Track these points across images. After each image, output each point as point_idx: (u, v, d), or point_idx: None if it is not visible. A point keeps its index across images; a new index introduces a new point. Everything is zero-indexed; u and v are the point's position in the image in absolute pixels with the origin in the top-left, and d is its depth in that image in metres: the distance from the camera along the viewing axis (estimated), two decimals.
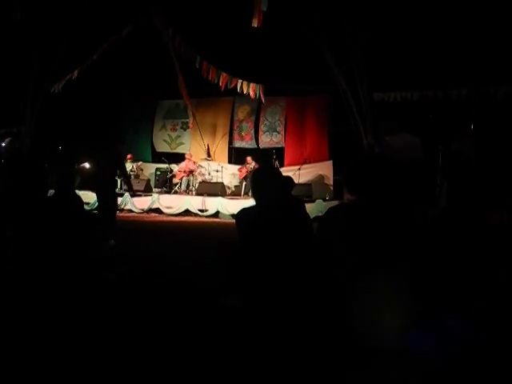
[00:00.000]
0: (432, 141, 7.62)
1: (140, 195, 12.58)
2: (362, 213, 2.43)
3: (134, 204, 12.25)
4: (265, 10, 7.83)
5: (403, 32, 9.63)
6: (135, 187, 12.74)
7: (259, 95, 11.93)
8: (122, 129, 15.53)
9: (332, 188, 12.79)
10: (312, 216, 9.95)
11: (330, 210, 2.61)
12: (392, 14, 9.47)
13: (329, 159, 13.20)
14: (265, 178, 2.94)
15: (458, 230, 2.51)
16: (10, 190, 3.73)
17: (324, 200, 11.28)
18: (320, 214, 10.48)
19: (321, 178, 13.03)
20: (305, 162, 13.14)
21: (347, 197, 10.02)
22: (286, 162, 13.77)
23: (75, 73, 12.29)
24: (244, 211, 2.93)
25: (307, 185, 12.10)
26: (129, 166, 13.81)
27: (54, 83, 12.60)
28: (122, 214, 11.10)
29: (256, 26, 8.05)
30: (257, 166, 12.49)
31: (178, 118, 15.67)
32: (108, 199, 6.93)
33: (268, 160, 12.85)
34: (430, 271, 2.36)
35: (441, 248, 2.46)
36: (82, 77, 12.36)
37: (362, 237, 2.37)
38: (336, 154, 12.86)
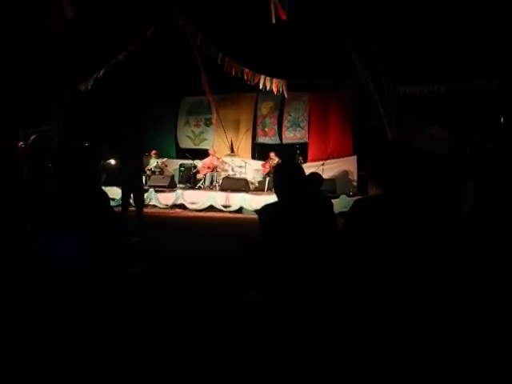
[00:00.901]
0: (460, 135, 7.49)
1: (164, 191, 12.70)
2: (389, 207, 2.31)
3: (159, 199, 12.38)
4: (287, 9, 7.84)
5: (427, 23, 9.47)
6: (160, 183, 12.94)
7: (282, 91, 11.90)
8: (144, 124, 15.73)
9: (356, 183, 12.71)
10: (336, 212, 9.97)
11: (357, 204, 2.50)
12: (414, 4, 9.33)
13: (353, 154, 13.12)
14: (286, 174, 2.91)
15: (494, 230, 2.43)
16: (57, 197, 3.75)
17: (348, 195, 11.21)
18: (344, 210, 10.41)
19: (345, 173, 12.95)
20: (328, 158, 13.07)
21: (373, 192, 9.96)
22: (309, 158, 13.72)
23: (101, 72, 12.51)
24: (267, 207, 2.92)
25: (331, 180, 12.04)
26: (153, 162, 14.01)
27: (81, 82, 12.84)
28: (146, 210, 11.19)
29: (281, 19, 8.05)
30: (280, 162, 12.50)
31: (202, 114, 15.78)
32: (135, 194, 7.05)
33: (291, 156, 12.83)
34: (460, 272, 2.29)
35: (476, 249, 2.39)
36: (108, 76, 12.55)
37: (389, 233, 2.26)
38: (360, 149, 12.78)
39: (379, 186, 2.42)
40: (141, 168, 7.65)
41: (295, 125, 14.37)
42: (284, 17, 8.07)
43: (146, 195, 11.88)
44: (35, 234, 3.47)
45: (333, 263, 2.54)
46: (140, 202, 7.14)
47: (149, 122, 15.89)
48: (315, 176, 5.21)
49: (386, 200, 2.35)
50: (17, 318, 2.85)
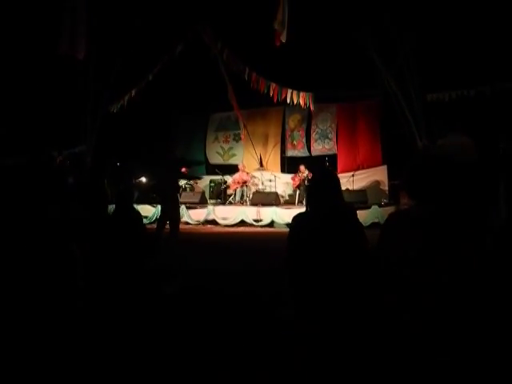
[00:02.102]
0: (491, 140, 7.30)
1: (195, 207, 12.81)
2: (428, 221, 2.18)
3: (190, 216, 12.49)
4: (283, 31, 8.06)
5: (453, 27, 9.33)
6: (191, 199, 13.06)
7: (309, 103, 11.90)
8: (175, 143, 15.99)
9: (387, 193, 12.54)
10: (368, 222, 9.86)
11: (391, 217, 2.37)
12: (438, 9, 9.23)
13: (383, 164, 12.98)
14: (326, 183, 2.79)
15: None
16: (83, 222, 3.81)
17: (379, 206, 11.07)
18: (376, 221, 10.30)
19: (375, 183, 12.80)
20: (358, 168, 12.95)
21: (404, 201, 9.79)
22: (339, 169, 13.62)
23: (132, 93, 12.80)
24: (298, 216, 2.84)
25: (362, 191, 11.91)
26: (185, 179, 14.14)
27: (112, 103, 13.17)
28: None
29: (278, 44, 8.30)
30: (310, 175, 12.46)
31: (230, 129, 15.92)
32: (171, 211, 7.12)
33: (324, 167, 12.80)
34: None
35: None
36: (139, 96, 12.83)
37: (429, 247, 2.12)
38: (390, 158, 12.63)
39: (413, 197, 2.32)
40: (177, 186, 7.73)
41: (323, 136, 14.33)
42: (278, 43, 8.32)
43: None
44: (83, 260, 3.50)
45: (364, 278, 2.46)
46: (175, 221, 7.18)
47: (178, 140, 16.14)
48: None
49: (422, 212, 2.23)
50: (59, 346, 2.87)
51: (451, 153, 5.55)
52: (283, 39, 8.54)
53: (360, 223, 2.87)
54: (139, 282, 3.76)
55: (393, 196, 11.94)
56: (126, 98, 12.89)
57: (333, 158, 13.75)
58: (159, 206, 7.89)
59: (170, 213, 7.11)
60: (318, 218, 2.69)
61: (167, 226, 7.09)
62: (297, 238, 2.71)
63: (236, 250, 7.83)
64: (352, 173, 12.58)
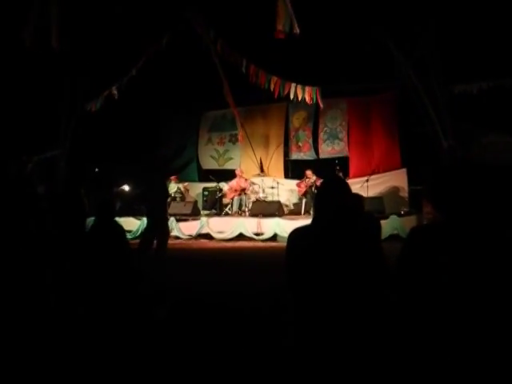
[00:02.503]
0: None
1: (187, 219, 12.77)
2: (457, 237, 2.11)
3: (181, 229, 12.45)
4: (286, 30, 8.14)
5: (482, 7, 9.30)
6: (181, 210, 13.00)
7: (316, 99, 11.88)
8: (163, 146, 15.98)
9: (407, 200, 12.50)
10: (386, 235, 9.78)
11: (415, 235, 2.30)
12: None
13: (401, 167, 12.96)
14: (334, 191, 2.70)
15: None
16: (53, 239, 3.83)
17: (399, 215, 11.03)
18: (395, 232, 10.24)
19: (393, 189, 12.77)
20: (373, 172, 12.93)
21: (428, 209, 9.74)
22: (351, 174, 13.61)
23: (113, 89, 12.77)
24: (297, 230, 2.74)
25: (378, 198, 11.87)
26: (173, 186, 14.12)
27: (90, 101, 13.14)
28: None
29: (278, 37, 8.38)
30: (318, 180, 12.43)
31: (226, 130, 15.93)
32: (159, 224, 7.10)
33: (332, 173, 12.78)
34: None
35: None
36: (121, 94, 12.80)
37: (461, 269, 2.06)
38: (410, 160, 12.60)
39: (439, 211, 2.25)
40: (165, 196, 7.73)
41: (333, 136, 14.33)
42: (282, 36, 8.39)
43: None
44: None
45: (380, 302, 2.39)
46: (164, 234, 7.16)
47: (166, 142, 16.12)
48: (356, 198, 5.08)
49: (452, 231, 2.15)
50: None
51: (493, 156, 5.46)
52: (296, 30, 8.52)
53: (378, 238, 2.80)
54: (126, 308, 3.73)
55: (414, 204, 11.87)
56: (106, 94, 12.87)
57: (344, 161, 13.73)
58: (145, 219, 7.88)
59: (158, 226, 7.08)
60: (319, 229, 2.62)
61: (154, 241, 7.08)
62: (294, 259, 2.63)
63: (233, 268, 7.78)
64: (366, 177, 12.54)
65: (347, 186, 2.79)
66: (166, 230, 7.44)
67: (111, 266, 4.05)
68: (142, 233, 7.34)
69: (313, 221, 2.69)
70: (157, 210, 7.17)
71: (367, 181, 12.43)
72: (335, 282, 2.46)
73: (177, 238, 12.31)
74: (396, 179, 12.89)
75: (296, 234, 2.70)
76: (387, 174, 13.09)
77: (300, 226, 2.73)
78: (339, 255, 2.50)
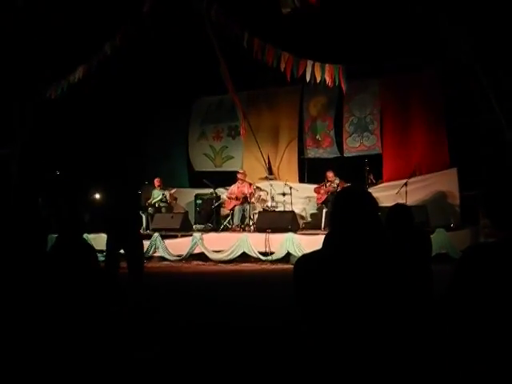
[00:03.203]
0: None
1: (175, 236, 12.69)
2: None
3: (167, 249, 12.40)
4: None
5: None
6: (168, 225, 12.94)
7: (339, 81, 11.83)
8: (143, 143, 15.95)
9: (458, 209, 12.40)
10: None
11: (469, 256, 2.35)
12: None
13: (450, 166, 12.89)
14: (349, 206, 2.67)
15: None
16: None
17: (447, 229, 10.91)
18: (443, 251, 10.14)
19: (440, 195, 12.68)
20: (414, 174, 12.83)
21: (485, 222, 9.64)
22: (385, 176, 13.57)
23: (80, 72, 12.73)
24: (305, 259, 2.69)
25: (420, 207, 11.75)
26: (157, 194, 14.07)
27: (50, 87, 13.10)
28: (149, 265, 11.21)
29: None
30: (342, 185, 12.35)
31: (223, 121, 15.95)
32: (129, 246, 7.01)
33: (358, 177, 12.72)
34: None
35: None
36: (91, 78, 12.76)
37: None
38: (461, 158, 12.50)
39: (499, 225, 2.28)
40: (136, 207, 7.67)
41: (361, 128, 14.27)
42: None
43: (147, 244, 11.92)
44: None
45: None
46: (137, 258, 7.07)
47: (149, 138, 16.08)
48: (402, 209, 5.07)
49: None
50: None
51: None
52: None
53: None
54: (98, 344, 3.71)
55: (467, 214, 11.77)
56: (72, 79, 12.83)
57: (376, 160, 13.67)
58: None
59: (131, 248, 6.99)
60: (338, 256, 2.56)
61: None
62: (307, 298, 2.57)
63: (234, 300, 7.65)
64: (405, 180, 12.44)
65: (372, 199, 2.75)
66: (140, 253, 7.35)
67: (77, 296, 3.98)
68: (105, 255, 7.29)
69: (326, 243, 2.66)
70: (128, 228, 7.06)
71: (406, 185, 12.32)
72: (363, 329, 2.41)
73: (162, 259, 12.27)
74: (443, 182, 12.79)
75: (304, 261, 2.66)
76: (432, 175, 13.01)
77: (309, 253, 2.69)
78: (370, 289, 2.44)
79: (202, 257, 12.24)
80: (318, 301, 2.51)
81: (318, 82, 11.80)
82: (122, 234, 6.99)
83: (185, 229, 13.07)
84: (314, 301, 2.52)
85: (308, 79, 11.76)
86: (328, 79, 11.73)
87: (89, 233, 11.72)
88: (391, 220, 4.77)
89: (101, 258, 10.67)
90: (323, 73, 11.72)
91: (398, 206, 5.17)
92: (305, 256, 2.68)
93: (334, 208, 2.75)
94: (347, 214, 2.63)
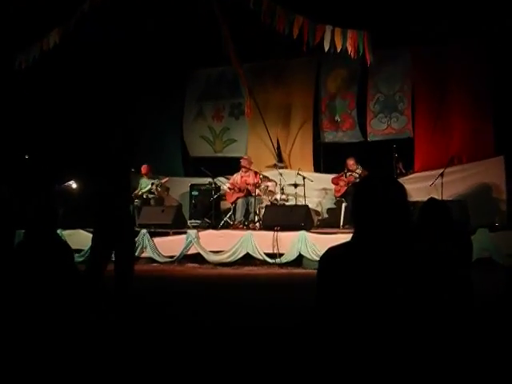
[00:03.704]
0: None
1: (166, 233, 12.73)
2: None
3: (157, 248, 12.43)
4: None
5: None
6: (157, 220, 12.91)
7: (363, 50, 11.78)
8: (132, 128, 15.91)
9: (505, 205, 12.37)
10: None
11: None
12: None
13: (496, 154, 12.86)
14: (376, 195, 2.75)
15: None
16: None
17: (491, 229, 10.86)
18: (486, 255, 10.07)
19: (483, 188, 12.65)
20: (452, 163, 12.82)
21: None
22: (417, 165, 13.58)
23: (54, 37, 12.69)
24: (332, 252, 2.79)
25: (458, 203, 11.69)
26: (145, 183, 14.10)
27: (19, 56, 13.08)
28: (136, 267, 11.19)
29: None
30: (364, 174, 12.33)
31: (225, 97, 16.02)
32: (124, 248, 7.00)
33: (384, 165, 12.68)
34: None
35: None
36: (67, 45, 12.72)
37: None
38: (508, 144, 12.43)
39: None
40: (128, 198, 7.68)
41: (389, 108, 14.27)
42: None
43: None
44: None
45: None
46: (128, 261, 7.06)
47: (136, 117, 16.05)
48: (438, 205, 5.07)
49: None
50: None
51: None
52: None
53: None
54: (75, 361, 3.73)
55: None
56: (45, 44, 12.78)
57: (406, 146, 13.65)
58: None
59: (123, 249, 6.98)
60: (369, 249, 2.65)
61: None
62: (331, 296, 2.67)
63: (236, 311, 7.65)
64: (441, 170, 12.39)
65: (401, 189, 2.84)
66: (130, 252, 7.33)
67: (48, 303, 4.00)
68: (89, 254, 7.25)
69: (356, 237, 2.74)
70: (116, 220, 7.05)
71: (442, 176, 12.26)
72: (394, 334, 2.52)
73: (151, 260, 12.30)
74: (487, 173, 12.77)
75: (332, 256, 2.75)
76: (474, 165, 13.00)
77: (338, 245, 2.77)
78: (403, 291, 2.56)
79: (197, 258, 12.26)
80: (339, 302, 2.61)
81: (338, 51, 11.73)
82: (114, 233, 6.98)
83: (178, 225, 13.06)
84: (335, 302, 2.63)
85: (326, 48, 11.65)
86: (350, 48, 11.64)
87: (63, 228, 11.72)
88: (425, 217, 4.75)
89: (78, 258, 10.78)
90: (345, 40, 11.63)
91: (433, 201, 5.14)
92: (333, 249, 2.78)
93: (355, 201, 2.80)
94: (370, 208, 2.70)
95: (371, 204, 2.74)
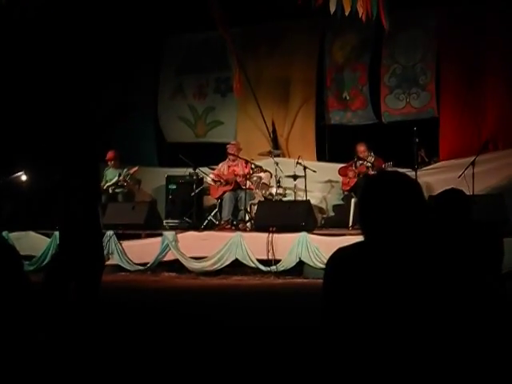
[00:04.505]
0: None
1: (139, 235, 12.82)
2: None
3: (126, 254, 12.46)
4: None
5: None
6: (127, 219, 12.91)
7: (378, 13, 11.80)
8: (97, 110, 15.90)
9: None
10: (509, 265, 9.65)
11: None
12: None
13: None
14: (389, 193, 2.84)
15: None
16: None
17: None
18: None
19: None
20: (486, 148, 12.87)
21: None
22: (442, 152, 13.64)
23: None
24: (342, 253, 2.89)
25: (493, 197, 11.77)
26: (111, 174, 14.09)
27: None
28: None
29: None
30: (379, 164, 12.45)
31: (209, 69, 16.06)
32: (90, 256, 7.02)
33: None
34: None
35: None
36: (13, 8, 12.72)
37: None
38: None
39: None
40: (97, 196, 7.71)
41: (409, 81, 14.33)
42: None
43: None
44: None
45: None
46: (94, 272, 7.08)
47: (100, 94, 16.03)
48: (456, 196, 5.08)
49: None
50: None
51: None
52: None
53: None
54: None
55: None
56: None
57: (429, 129, 13.66)
58: (57, 235, 7.75)
59: (85, 249, 7.01)
60: (382, 251, 2.79)
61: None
62: (340, 302, 2.81)
63: (220, 337, 7.62)
64: (472, 158, 12.42)
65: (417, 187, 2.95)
66: (98, 255, 7.35)
67: None
68: (51, 260, 7.26)
69: (367, 237, 2.85)
70: (80, 219, 7.08)
71: (473, 165, 12.26)
72: (409, 341, 2.65)
73: (118, 269, 12.35)
74: None
75: (342, 258, 2.89)
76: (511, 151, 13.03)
77: (348, 245, 2.89)
78: (422, 298, 2.68)
79: (175, 266, 12.34)
80: (350, 308, 2.75)
81: (346, 14, 11.74)
82: (81, 236, 7.01)
83: (152, 225, 13.14)
84: (345, 308, 2.77)
85: (332, 10, 11.66)
86: (361, 10, 11.67)
87: (10, 230, 11.73)
88: (441, 213, 4.74)
89: (28, 266, 10.76)
90: (355, 1, 11.67)
91: (448, 192, 5.13)
92: (342, 249, 2.89)
93: (361, 206, 2.92)
94: (377, 215, 2.80)
95: (379, 211, 2.83)
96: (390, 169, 12.33)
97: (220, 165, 13.94)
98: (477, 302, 2.95)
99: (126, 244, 12.53)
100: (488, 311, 2.94)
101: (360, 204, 2.95)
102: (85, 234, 7.05)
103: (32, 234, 12.06)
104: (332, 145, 14.85)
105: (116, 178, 13.99)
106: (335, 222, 13.41)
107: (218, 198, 13.64)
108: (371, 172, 12.43)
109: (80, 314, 6.78)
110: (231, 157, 13.82)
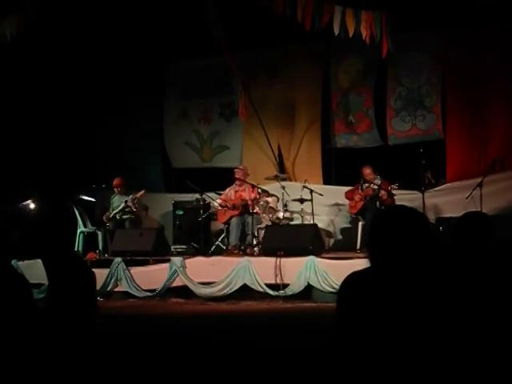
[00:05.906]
0: None
1: (146, 261, 12.78)
2: None
3: (135, 280, 12.44)
4: None
5: None
6: (134, 246, 12.89)
7: (381, 35, 11.81)
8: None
9: None
10: None
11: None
12: None
13: None
14: (401, 222, 2.92)
15: None
16: None
17: None
18: None
19: None
20: (493, 169, 12.85)
21: None
22: (449, 173, 13.59)
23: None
24: (354, 278, 2.97)
25: (502, 219, 11.72)
26: (118, 201, 14.09)
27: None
28: (109, 304, 11.21)
29: None
30: (386, 186, 12.41)
31: (213, 94, 16.04)
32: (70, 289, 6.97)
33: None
34: None
35: None
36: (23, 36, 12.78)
37: None
38: None
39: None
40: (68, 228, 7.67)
41: (414, 104, 14.29)
42: None
43: (104, 274, 12.01)
44: None
45: None
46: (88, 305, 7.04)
47: (106, 118, 16.06)
48: (476, 219, 5.06)
49: None
50: None
51: None
52: None
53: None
54: None
55: None
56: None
57: (435, 151, 13.63)
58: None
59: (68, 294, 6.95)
60: (397, 285, 2.81)
61: None
62: (354, 327, 2.83)
63: (236, 367, 7.58)
64: (479, 179, 12.41)
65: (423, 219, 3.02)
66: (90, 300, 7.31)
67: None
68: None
69: (374, 265, 2.93)
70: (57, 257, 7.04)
71: (480, 186, 12.26)
72: (420, 368, 2.66)
73: (127, 295, 12.32)
74: None
75: (354, 283, 2.96)
76: None
77: (361, 270, 2.96)
78: (427, 323, 2.71)
79: (184, 292, 12.29)
80: (362, 332, 2.80)
81: (350, 36, 11.77)
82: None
83: (159, 251, 13.12)
84: (357, 332, 2.82)
85: (336, 33, 11.71)
86: (365, 32, 11.69)
87: (19, 258, 11.73)
88: (463, 237, 4.72)
89: (38, 294, 10.75)
90: (358, 23, 11.68)
91: (471, 215, 5.11)
92: (356, 274, 2.97)
93: (370, 238, 2.97)
94: (388, 250, 2.86)
95: (388, 243, 2.89)
96: (395, 191, 12.32)
97: (227, 190, 13.92)
98: (498, 324, 2.98)
99: (134, 270, 12.51)
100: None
101: (369, 237, 2.97)
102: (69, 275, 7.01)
103: (41, 262, 12.06)
104: (338, 168, 14.81)
105: (123, 205, 13.96)
106: (343, 246, 13.38)
107: (225, 223, 13.61)
108: (378, 194, 12.40)
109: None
110: (238, 181, 13.81)
